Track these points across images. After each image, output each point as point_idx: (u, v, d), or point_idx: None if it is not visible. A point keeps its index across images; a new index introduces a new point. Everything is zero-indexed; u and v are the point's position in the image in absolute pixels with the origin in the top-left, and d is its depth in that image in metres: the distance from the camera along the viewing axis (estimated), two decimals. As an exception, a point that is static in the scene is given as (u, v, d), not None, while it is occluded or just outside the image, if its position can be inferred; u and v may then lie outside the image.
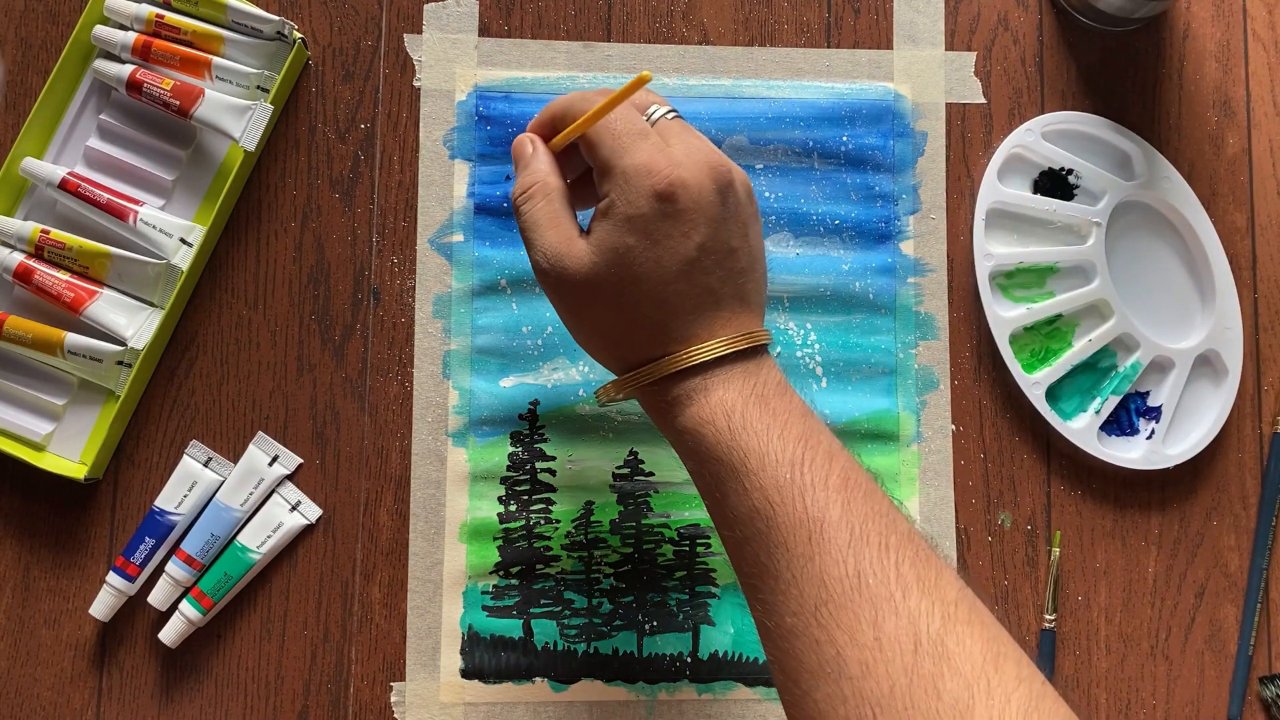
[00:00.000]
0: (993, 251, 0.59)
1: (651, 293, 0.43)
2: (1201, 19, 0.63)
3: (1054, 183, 0.61)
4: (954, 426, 0.59)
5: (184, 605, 0.56)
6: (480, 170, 0.60)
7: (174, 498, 0.57)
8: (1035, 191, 0.61)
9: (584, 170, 0.49)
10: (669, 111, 0.46)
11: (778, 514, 0.40)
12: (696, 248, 0.43)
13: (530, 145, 0.47)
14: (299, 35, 0.58)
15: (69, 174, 0.57)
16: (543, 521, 0.58)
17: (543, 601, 0.57)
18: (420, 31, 0.60)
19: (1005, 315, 0.59)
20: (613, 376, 0.47)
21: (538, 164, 0.46)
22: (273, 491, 0.57)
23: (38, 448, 0.57)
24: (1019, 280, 0.60)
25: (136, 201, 0.57)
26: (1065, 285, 0.60)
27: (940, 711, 0.35)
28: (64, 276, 0.57)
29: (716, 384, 0.43)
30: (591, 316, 0.45)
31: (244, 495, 0.57)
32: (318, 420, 0.58)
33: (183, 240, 0.57)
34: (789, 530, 0.40)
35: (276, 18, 0.58)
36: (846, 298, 0.60)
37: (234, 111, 0.57)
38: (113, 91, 0.59)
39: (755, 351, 0.44)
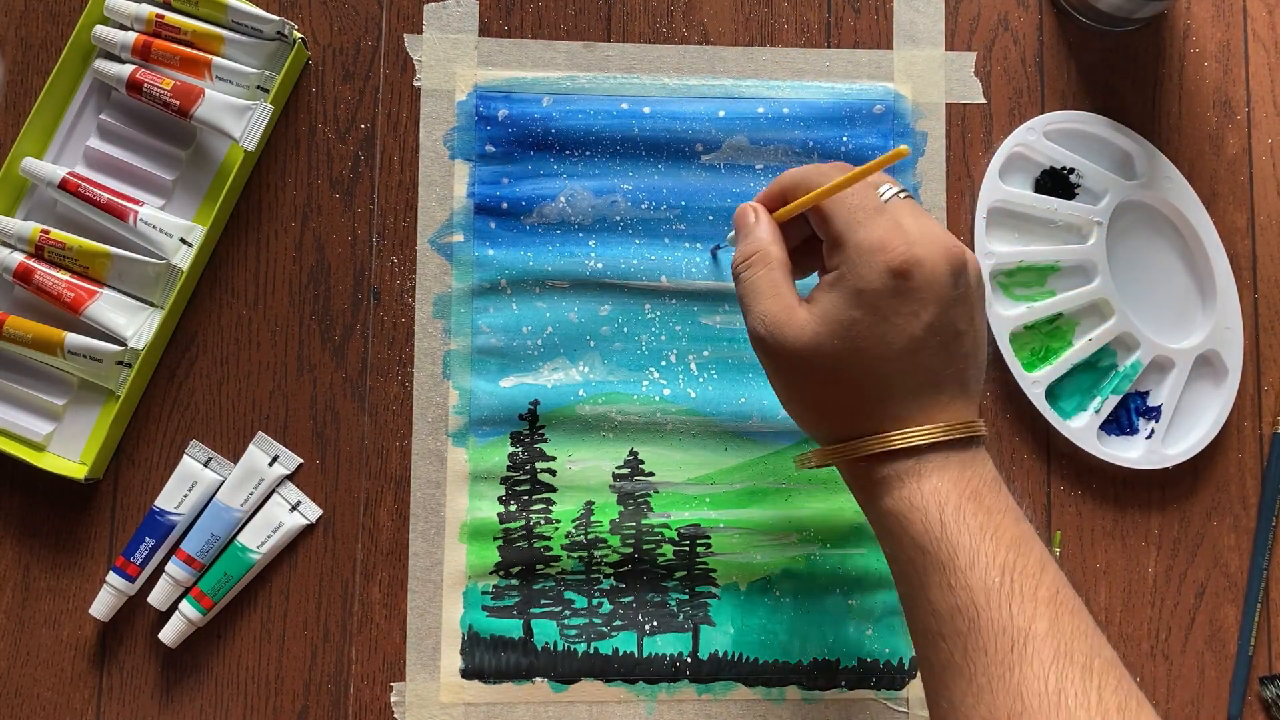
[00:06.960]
0: (994, 250, 0.59)
1: (872, 368, 0.43)
2: (1201, 19, 0.63)
3: (1055, 182, 0.61)
4: (954, 426, 0.59)
5: (184, 605, 0.56)
6: (480, 170, 0.60)
7: (174, 498, 0.57)
8: (1037, 190, 0.61)
9: (799, 242, 0.49)
10: (900, 191, 0.46)
11: (981, 617, 0.39)
12: (924, 328, 0.43)
13: (753, 214, 0.48)
14: (299, 35, 0.58)
15: (69, 174, 0.57)
16: (543, 521, 0.58)
17: (543, 601, 0.57)
18: (420, 31, 0.60)
19: (1005, 314, 0.59)
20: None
21: (760, 232, 0.47)
22: (273, 491, 0.57)
23: (38, 448, 0.57)
24: (1020, 279, 0.60)
25: (136, 201, 0.57)
26: (1066, 284, 0.60)
27: None
28: (64, 276, 0.57)
29: (931, 470, 0.43)
30: (805, 387, 0.45)
31: (244, 495, 0.57)
32: (318, 420, 0.58)
33: (183, 240, 0.57)
34: (991, 636, 0.39)
35: (276, 18, 0.58)
36: (846, 297, 0.60)
37: (234, 111, 0.57)
38: (113, 91, 0.59)
39: (971, 442, 0.44)
